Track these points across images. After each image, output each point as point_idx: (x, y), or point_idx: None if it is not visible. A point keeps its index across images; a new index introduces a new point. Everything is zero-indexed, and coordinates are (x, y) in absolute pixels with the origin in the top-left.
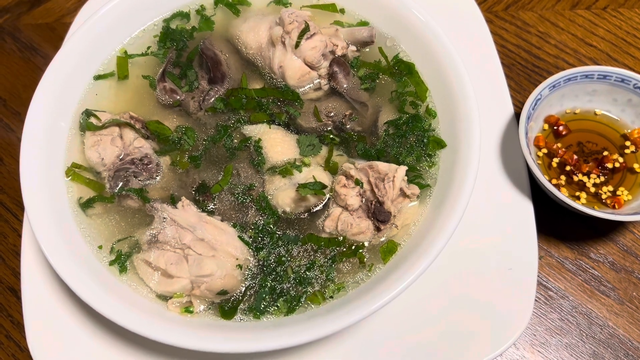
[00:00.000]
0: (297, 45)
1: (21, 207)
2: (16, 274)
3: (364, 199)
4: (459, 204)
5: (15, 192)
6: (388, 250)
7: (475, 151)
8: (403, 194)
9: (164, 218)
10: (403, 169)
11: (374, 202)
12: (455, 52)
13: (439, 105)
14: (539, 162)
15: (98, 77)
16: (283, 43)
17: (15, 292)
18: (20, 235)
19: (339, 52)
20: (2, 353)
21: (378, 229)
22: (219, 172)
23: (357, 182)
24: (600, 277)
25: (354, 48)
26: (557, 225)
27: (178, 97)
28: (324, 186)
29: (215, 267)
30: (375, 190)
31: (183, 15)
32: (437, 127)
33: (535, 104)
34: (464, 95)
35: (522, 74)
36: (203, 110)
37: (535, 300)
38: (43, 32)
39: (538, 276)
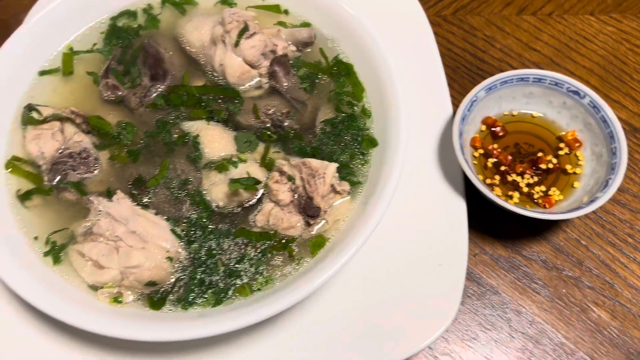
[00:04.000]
0: (236, 44)
1: None
2: None
3: (296, 195)
4: (382, 199)
5: None
6: (317, 244)
7: (401, 150)
8: (334, 190)
9: (99, 211)
10: (333, 166)
11: (305, 198)
12: (388, 54)
13: (374, 105)
14: (475, 162)
15: (43, 73)
16: (223, 42)
17: None
18: None
19: (279, 52)
20: None
21: (308, 224)
22: (156, 167)
23: (290, 178)
24: (532, 275)
25: (294, 48)
26: (492, 223)
27: (120, 93)
28: (257, 182)
29: (144, 259)
30: (307, 186)
31: (130, 14)
32: (372, 126)
33: (471, 106)
34: (395, 96)
35: (466, 76)
36: (144, 106)
37: (468, 296)
38: None
39: (472, 273)
